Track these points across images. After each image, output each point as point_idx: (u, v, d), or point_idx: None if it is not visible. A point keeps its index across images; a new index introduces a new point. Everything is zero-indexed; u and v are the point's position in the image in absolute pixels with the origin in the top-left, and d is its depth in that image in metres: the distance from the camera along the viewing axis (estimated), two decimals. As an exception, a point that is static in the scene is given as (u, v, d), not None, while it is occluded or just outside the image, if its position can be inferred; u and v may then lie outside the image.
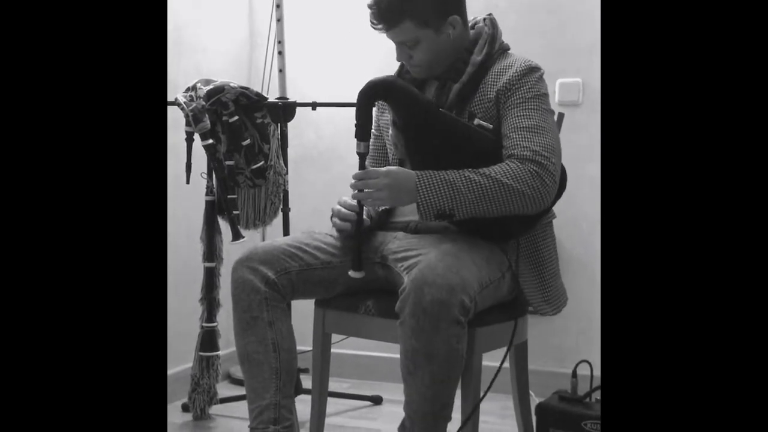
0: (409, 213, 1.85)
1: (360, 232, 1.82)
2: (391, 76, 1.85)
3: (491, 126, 1.79)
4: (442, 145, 1.74)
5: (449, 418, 1.69)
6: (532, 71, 1.81)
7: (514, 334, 1.75)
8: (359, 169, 1.77)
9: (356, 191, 1.75)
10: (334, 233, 1.92)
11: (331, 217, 1.89)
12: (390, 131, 1.91)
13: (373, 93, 1.76)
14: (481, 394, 1.77)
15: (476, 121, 1.79)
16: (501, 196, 1.67)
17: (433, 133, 1.74)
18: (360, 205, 1.80)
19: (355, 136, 1.76)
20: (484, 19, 1.91)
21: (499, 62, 1.85)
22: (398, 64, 1.97)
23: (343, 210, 1.86)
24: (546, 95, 1.82)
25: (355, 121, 1.76)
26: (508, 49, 1.91)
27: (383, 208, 1.96)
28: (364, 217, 1.85)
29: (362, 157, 1.78)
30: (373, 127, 2.04)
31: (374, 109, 2.03)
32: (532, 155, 1.70)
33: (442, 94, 1.84)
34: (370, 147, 2.03)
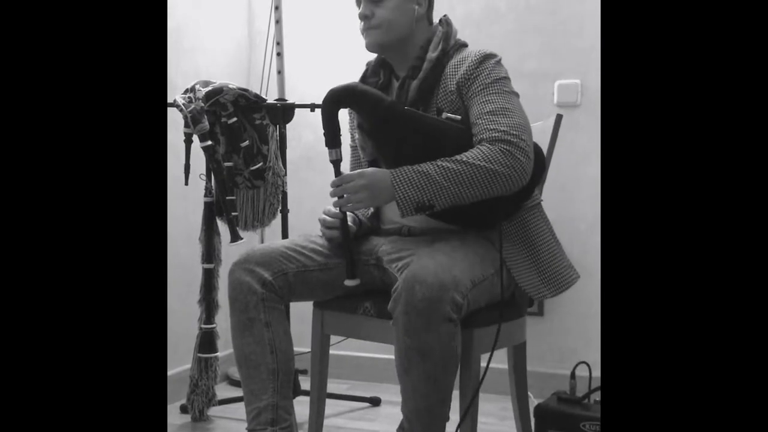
0: (400, 217, 1.86)
1: (348, 239, 1.83)
2: (352, 82, 1.87)
3: (460, 117, 1.80)
4: (411, 142, 1.75)
5: (447, 418, 1.69)
6: (487, 58, 1.82)
7: (497, 337, 1.73)
8: (335, 176, 1.78)
9: (336, 198, 1.77)
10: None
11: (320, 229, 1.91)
12: (356, 134, 1.92)
13: (335, 100, 1.78)
14: (481, 395, 1.76)
15: (444, 115, 1.80)
16: (476, 180, 1.67)
17: (401, 131, 1.75)
18: (342, 212, 1.82)
19: (326, 145, 1.79)
20: (440, 20, 1.93)
21: (455, 57, 1.86)
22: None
23: (328, 219, 1.88)
24: (506, 78, 1.82)
25: (322, 131, 1.78)
26: (466, 45, 1.92)
27: (371, 210, 1.97)
28: (350, 223, 1.86)
29: (336, 164, 1.80)
30: (350, 138, 2.05)
31: (347, 119, 2.05)
32: (500, 135, 1.70)
33: (402, 93, 1.85)
34: (351, 158, 2.06)
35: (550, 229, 1.88)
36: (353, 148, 2.06)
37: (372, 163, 1.90)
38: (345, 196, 1.75)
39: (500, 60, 1.84)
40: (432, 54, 1.85)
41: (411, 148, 1.75)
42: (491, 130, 1.72)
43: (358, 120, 1.85)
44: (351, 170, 2.05)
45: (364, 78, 1.98)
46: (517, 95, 1.82)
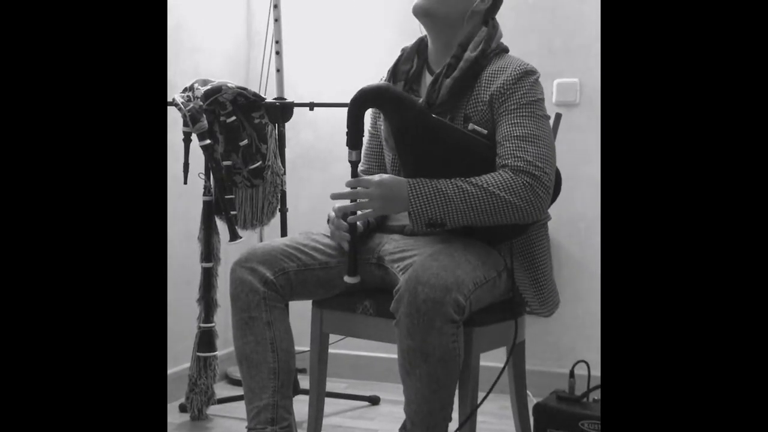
0: (405, 218, 1.85)
1: (355, 238, 1.82)
2: (383, 83, 1.84)
3: (486, 131, 1.77)
4: (435, 151, 1.73)
5: (450, 419, 1.69)
6: (526, 75, 1.79)
7: (516, 335, 1.74)
8: (351, 177, 1.77)
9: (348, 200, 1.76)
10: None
11: (328, 222, 1.90)
12: (382, 125, 1.90)
13: (363, 101, 1.74)
14: (480, 394, 1.77)
15: (471, 126, 1.78)
16: (493, 208, 1.66)
17: (426, 139, 1.73)
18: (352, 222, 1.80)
19: (347, 144, 1.76)
20: (487, 21, 1.89)
21: (494, 63, 1.83)
22: (395, 58, 1.97)
23: (343, 223, 1.84)
24: (541, 100, 1.79)
25: (346, 130, 1.75)
26: (507, 50, 1.89)
27: None
28: (358, 223, 1.84)
29: (354, 165, 1.78)
30: (371, 125, 2.04)
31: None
32: (525, 166, 1.68)
33: (434, 90, 1.82)
34: (366, 144, 2.03)
35: (549, 249, 1.89)
36: (372, 135, 2.03)
37: (394, 160, 1.87)
38: (357, 199, 1.74)
39: (539, 77, 1.81)
40: (471, 54, 1.81)
41: (434, 156, 1.73)
42: (517, 158, 1.69)
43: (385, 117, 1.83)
44: (364, 155, 2.01)
45: (396, 63, 1.94)
46: (548, 118, 1.79)
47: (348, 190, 1.75)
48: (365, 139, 1.99)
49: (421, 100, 1.83)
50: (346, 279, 1.81)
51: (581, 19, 2.70)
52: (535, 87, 1.79)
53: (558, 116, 2.01)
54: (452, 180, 1.68)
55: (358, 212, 1.77)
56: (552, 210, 1.93)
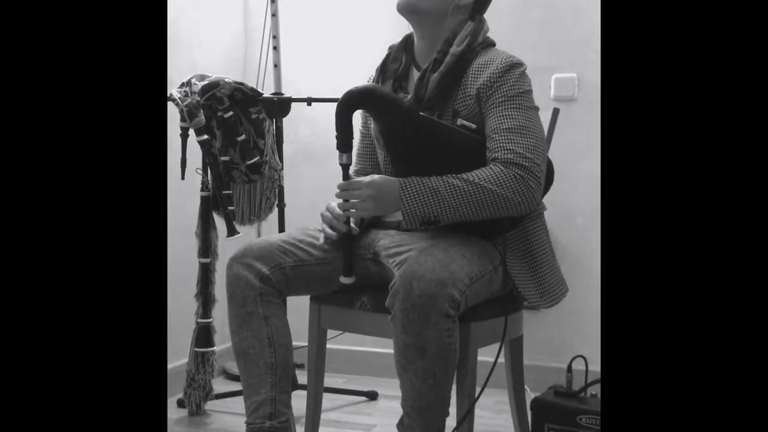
0: (400, 215, 1.85)
1: (349, 236, 1.82)
2: (370, 84, 1.84)
3: (475, 126, 1.77)
4: (425, 149, 1.73)
5: (447, 413, 1.69)
6: (513, 67, 1.78)
7: (505, 331, 1.75)
8: (343, 180, 1.76)
9: (341, 201, 1.75)
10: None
11: (321, 222, 1.89)
12: (373, 125, 1.90)
13: (351, 103, 1.73)
14: (477, 388, 1.77)
15: (459, 122, 1.77)
16: (486, 202, 1.66)
17: (416, 138, 1.73)
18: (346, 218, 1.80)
19: (337, 148, 1.75)
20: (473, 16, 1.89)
21: (481, 57, 1.83)
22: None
23: (334, 222, 1.84)
24: (529, 92, 1.79)
25: (335, 133, 1.74)
26: (494, 44, 1.89)
27: None
28: (352, 224, 1.84)
29: (345, 168, 1.77)
30: (362, 125, 2.04)
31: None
32: (515, 158, 1.68)
33: (421, 86, 1.82)
34: (358, 144, 2.03)
35: (549, 239, 1.88)
36: (363, 135, 2.03)
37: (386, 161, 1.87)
38: (350, 200, 1.74)
39: (525, 70, 1.81)
40: (456, 48, 1.81)
41: (424, 154, 1.73)
42: (507, 150, 1.69)
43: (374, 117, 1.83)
44: (357, 155, 2.02)
45: (385, 63, 1.94)
46: (536, 109, 1.79)
47: (339, 192, 1.75)
48: (357, 140, 1.99)
49: (409, 96, 1.83)
50: (342, 279, 1.81)
51: (579, 14, 2.69)
52: (521, 79, 1.79)
53: (555, 111, 2.01)
54: (444, 177, 1.68)
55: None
56: (549, 205, 1.93)
